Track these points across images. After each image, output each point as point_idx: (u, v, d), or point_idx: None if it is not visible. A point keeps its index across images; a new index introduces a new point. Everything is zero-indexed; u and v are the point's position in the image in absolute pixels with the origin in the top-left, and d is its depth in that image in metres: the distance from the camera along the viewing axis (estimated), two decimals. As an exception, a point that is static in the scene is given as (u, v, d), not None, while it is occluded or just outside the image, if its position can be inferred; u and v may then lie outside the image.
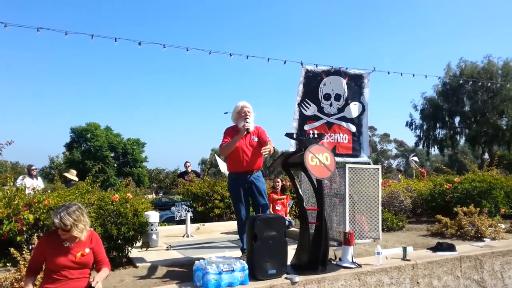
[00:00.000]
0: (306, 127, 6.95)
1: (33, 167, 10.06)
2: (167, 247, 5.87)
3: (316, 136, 4.46)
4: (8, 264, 4.33)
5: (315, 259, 4.19)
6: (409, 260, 4.63)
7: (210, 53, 7.64)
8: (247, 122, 4.72)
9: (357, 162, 7.11)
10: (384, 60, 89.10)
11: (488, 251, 5.21)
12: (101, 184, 6.18)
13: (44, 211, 4.74)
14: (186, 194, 8.93)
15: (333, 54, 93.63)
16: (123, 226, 4.59)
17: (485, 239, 5.97)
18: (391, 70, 8.29)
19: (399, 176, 12.70)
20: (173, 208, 8.79)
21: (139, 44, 7.00)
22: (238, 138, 4.72)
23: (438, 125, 38.94)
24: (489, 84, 30.75)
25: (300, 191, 4.53)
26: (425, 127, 39.26)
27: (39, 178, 10.41)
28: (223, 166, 10.38)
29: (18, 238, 4.57)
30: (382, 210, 6.32)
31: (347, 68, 7.38)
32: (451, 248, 5.17)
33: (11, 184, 5.38)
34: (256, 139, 4.86)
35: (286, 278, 3.93)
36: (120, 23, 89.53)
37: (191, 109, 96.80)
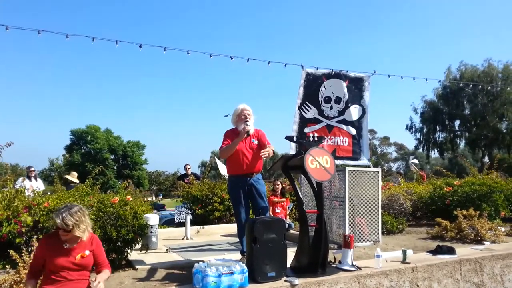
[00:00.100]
0: (306, 130, 6.96)
1: (32, 169, 10.05)
2: (167, 250, 5.87)
3: (316, 139, 4.47)
4: (7, 266, 4.33)
5: (314, 262, 4.19)
6: (409, 263, 4.63)
7: (210, 56, 7.68)
8: (247, 125, 4.72)
9: (357, 165, 7.11)
10: (385, 62, 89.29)
11: (488, 254, 5.20)
12: (101, 187, 6.19)
13: (44, 213, 4.75)
14: (186, 197, 8.92)
15: (334, 56, 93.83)
16: (122, 229, 4.59)
17: (485, 242, 5.97)
18: (392, 73, 8.32)
19: (399, 179, 12.71)
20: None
21: (140, 46, 7.05)
22: (238, 140, 4.73)
23: (438, 128, 38.99)
24: (489, 87, 30.73)
25: (300, 193, 4.53)
26: (425, 130, 39.29)
27: (38, 180, 10.40)
28: (223, 169, 10.39)
29: (18, 240, 4.57)
30: (382, 213, 6.32)
31: (347, 71, 7.40)
32: (451, 251, 5.16)
33: (11, 186, 5.38)
34: (256, 142, 4.86)
35: (285, 280, 3.92)
36: (120, 25, 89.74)
37: (191, 112, 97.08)
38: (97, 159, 43.06)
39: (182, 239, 7.04)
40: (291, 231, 6.95)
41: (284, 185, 8.19)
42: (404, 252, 4.75)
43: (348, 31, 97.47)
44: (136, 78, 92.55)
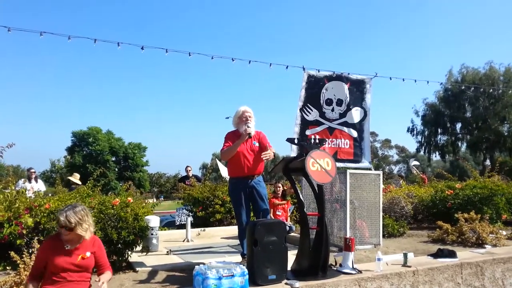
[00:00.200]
0: (307, 132, 6.96)
1: (32, 170, 10.07)
2: (167, 252, 5.86)
3: (317, 141, 4.47)
4: (8, 268, 4.34)
5: (315, 265, 4.18)
6: (409, 267, 4.61)
7: (212, 58, 7.68)
8: (249, 127, 4.72)
9: (358, 168, 7.11)
10: (386, 64, 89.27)
11: (489, 258, 5.19)
12: (102, 188, 6.19)
13: (45, 214, 4.74)
14: (187, 199, 8.92)
15: (335, 59, 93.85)
16: (123, 230, 4.59)
17: (486, 245, 5.95)
18: (393, 75, 8.29)
19: (401, 181, 12.68)
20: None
21: (142, 48, 7.05)
22: (239, 143, 4.73)
23: (439, 131, 38.97)
24: (491, 90, 30.80)
25: (301, 196, 4.53)
26: (426, 133, 39.27)
27: (39, 181, 10.41)
28: (224, 171, 10.39)
29: (18, 242, 4.57)
30: (383, 216, 6.31)
31: (349, 74, 7.39)
32: (452, 254, 5.15)
33: (13, 188, 5.39)
34: (257, 144, 4.86)
35: (286, 283, 3.91)
36: (121, 26, 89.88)
37: (193, 114, 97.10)
38: (98, 160, 43.08)
39: (183, 241, 7.04)
40: (292, 234, 6.94)
41: (285, 188, 8.18)
42: (405, 255, 4.74)
43: (350, 35, 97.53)
44: (138, 79, 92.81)
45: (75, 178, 10.03)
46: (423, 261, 4.95)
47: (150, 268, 4.73)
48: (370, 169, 7.24)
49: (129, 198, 5.04)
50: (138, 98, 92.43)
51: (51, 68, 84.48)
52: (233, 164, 4.89)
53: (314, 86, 7.13)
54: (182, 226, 7.59)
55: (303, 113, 7.03)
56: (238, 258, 4.91)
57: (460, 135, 38.84)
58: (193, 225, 7.81)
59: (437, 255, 5.19)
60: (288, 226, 7.13)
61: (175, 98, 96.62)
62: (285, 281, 3.95)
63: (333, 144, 7.16)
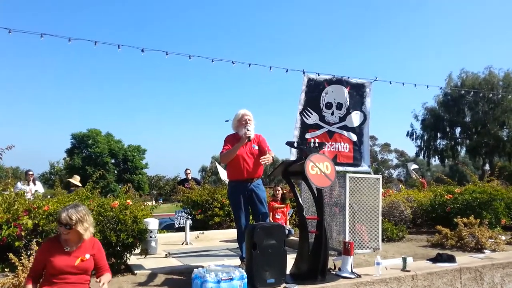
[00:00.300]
0: (307, 136, 6.97)
1: (30, 173, 10.06)
2: (166, 255, 5.85)
3: (317, 145, 4.48)
4: (6, 270, 4.33)
5: (314, 269, 4.17)
6: (409, 271, 4.61)
7: (212, 61, 7.70)
8: (248, 130, 4.73)
9: (358, 172, 7.11)
10: (386, 69, 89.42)
11: (488, 263, 5.18)
12: (101, 190, 6.19)
13: (44, 216, 4.74)
14: (186, 202, 8.91)
15: (335, 61, 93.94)
16: (122, 233, 4.58)
17: (485, 250, 5.94)
18: (393, 79, 8.30)
19: (400, 186, 12.68)
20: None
21: (142, 51, 7.06)
22: (239, 146, 4.73)
23: (439, 136, 39.04)
24: (490, 95, 30.82)
25: (300, 200, 4.52)
26: (426, 137, 39.33)
27: (38, 183, 10.40)
28: (223, 174, 10.39)
29: (17, 244, 4.56)
30: (382, 220, 6.30)
31: (349, 77, 7.41)
32: (451, 259, 5.14)
33: (12, 190, 5.39)
34: (256, 147, 4.87)
35: (285, 287, 3.91)
36: (122, 29, 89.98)
37: (192, 116, 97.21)
38: (98, 163, 43.08)
39: (182, 244, 7.02)
40: (291, 237, 6.93)
41: (284, 191, 8.17)
42: (404, 259, 4.74)
43: (350, 39, 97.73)
44: (138, 82, 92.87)
45: (75, 180, 10.01)
46: (422, 266, 4.94)
47: (149, 271, 4.71)
48: (369, 173, 7.25)
49: (128, 201, 5.03)
50: (138, 101, 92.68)
51: (51, 70, 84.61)
52: (232, 167, 4.88)
53: (314, 89, 7.14)
54: (181, 229, 7.57)
55: (303, 116, 7.04)
56: (237, 261, 4.90)
57: (459, 139, 38.89)
58: (192, 228, 7.79)
59: (436, 259, 5.18)
60: (287, 229, 7.12)
61: (175, 101, 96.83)
62: (284, 285, 3.95)
63: (333, 148, 7.16)
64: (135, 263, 5.10)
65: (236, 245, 5.88)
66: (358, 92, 7.42)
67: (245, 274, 3.75)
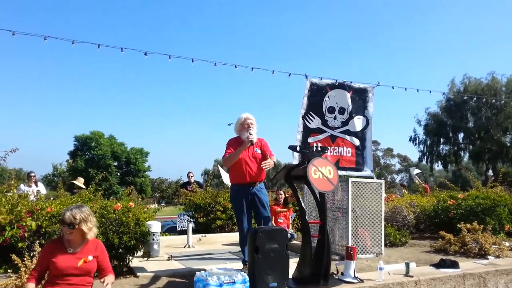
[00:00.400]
0: (310, 140, 6.95)
1: (32, 174, 10.08)
2: (168, 257, 5.85)
3: (319, 149, 4.47)
4: (9, 271, 4.32)
5: (317, 273, 4.16)
6: (411, 276, 4.59)
7: (215, 64, 7.70)
8: (251, 134, 4.73)
9: (360, 176, 7.08)
10: (388, 74, 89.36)
11: (492, 269, 5.15)
12: (104, 193, 6.20)
13: (47, 218, 4.75)
14: (189, 205, 8.91)
15: (337, 68, 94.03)
16: (124, 235, 4.59)
17: (489, 256, 5.92)
18: (396, 84, 8.31)
19: (403, 191, 12.65)
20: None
21: (145, 54, 7.07)
22: (241, 149, 4.74)
23: (441, 141, 38.96)
24: (493, 100, 30.75)
25: (302, 204, 4.53)
26: (428, 142, 39.26)
27: (40, 184, 10.42)
28: (226, 177, 10.39)
29: (20, 245, 4.58)
30: (385, 225, 6.29)
31: (351, 82, 7.40)
32: (454, 265, 5.12)
33: (15, 191, 5.41)
34: (259, 151, 4.88)
35: (287, 291, 3.90)
36: (126, 32, 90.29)
37: (195, 120, 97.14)
38: (100, 165, 43.15)
39: (184, 247, 7.02)
40: (294, 242, 6.92)
41: (286, 195, 8.17)
42: (407, 265, 4.72)
43: (353, 43, 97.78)
44: (141, 84, 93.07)
45: (80, 182, 10.04)
46: (425, 271, 4.92)
47: (151, 274, 4.72)
48: (372, 177, 7.22)
49: (130, 203, 5.04)
50: (141, 103, 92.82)
51: (54, 72, 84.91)
52: (235, 171, 4.89)
53: (317, 94, 7.15)
54: (183, 232, 7.58)
55: (305, 120, 7.04)
56: (239, 265, 4.90)
57: (462, 145, 38.79)
58: (194, 231, 7.79)
59: (439, 265, 5.16)
60: (290, 233, 7.11)
61: (178, 104, 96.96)
62: (286, 289, 3.94)
63: (335, 152, 7.15)
64: (137, 265, 5.10)
65: (238, 248, 5.88)
66: (360, 97, 7.42)
67: (247, 278, 3.75)
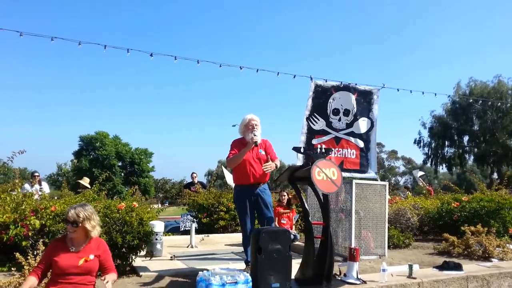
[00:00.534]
0: (314, 141, 6.96)
1: (36, 174, 10.12)
2: (171, 257, 5.86)
3: (323, 150, 4.47)
4: (13, 269, 4.36)
5: (319, 274, 4.16)
6: (415, 278, 4.58)
7: (220, 66, 7.73)
8: (255, 135, 4.74)
9: (364, 178, 7.07)
10: (393, 76, 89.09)
11: (495, 271, 5.13)
12: (108, 192, 6.23)
13: (51, 217, 4.79)
14: (192, 205, 8.94)
15: (343, 70, 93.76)
16: (128, 235, 4.61)
17: (492, 259, 5.89)
18: (401, 87, 8.27)
19: (407, 193, 12.60)
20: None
21: (151, 55, 7.10)
22: (246, 151, 4.74)
23: (446, 143, 38.80)
24: (499, 104, 30.63)
25: (306, 205, 4.53)
26: (433, 145, 39.10)
27: (43, 183, 10.46)
28: (229, 178, 10.40)
29: (24, 243, 4.60)
30: (388, 227, 6.27)
31: (356, 84, 7.40)
32: (458, 267, 5.10)
33: (19, 190, 5.44)
34: (263, 152, 4.88)
35: (289, 292, 3.90)
36: (132, 33, 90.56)
37: (199, 120, 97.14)
38: (105, 165, 43.25)
39: (187, 247, 7.03)
40: (297, 243, 6.92)
41: (290, 196, 8.16)
42: (410, 267, 4.71)
43: (358, 45, 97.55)
44: (146, 85, 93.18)
45: (85, 181, 10.08)
46: (429, 273, 4.90)
47: (154, 273, 4.73)
48: (376, 179, 7.21)
49: (134, 203, 5.06)
50: (146, 104, 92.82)
51: (60, 72, 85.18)
52: (238, 172, 4.89)
53: (321, 95, 7.15)
54: (187, 232, 7.59)
55: (309, 122, 7.04)
56: (242, 265, 4.90)
57: (467, 148, 38.63)
58: (198, 231, 7.80)
59: (442, 267, 5.15)
60: (293, 234, 7.11)
61: (183, 105, 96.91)
62: (289, 289, 3.94)
63: (340, 154, 7.15)
64: (140, 265, 5.11)
65: (241, 249, 5.88)
66: (365, 99, 7.41)
67: (250, 278, 3.75)
